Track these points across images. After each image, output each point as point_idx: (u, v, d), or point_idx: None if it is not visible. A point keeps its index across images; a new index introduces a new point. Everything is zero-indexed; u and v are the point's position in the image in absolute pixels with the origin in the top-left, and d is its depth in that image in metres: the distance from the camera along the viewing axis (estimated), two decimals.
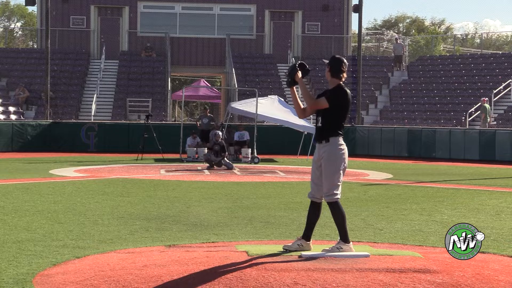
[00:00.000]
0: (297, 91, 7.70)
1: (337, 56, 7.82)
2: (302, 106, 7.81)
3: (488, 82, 37.77)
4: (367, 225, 10.75)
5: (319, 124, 7.68)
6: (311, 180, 7.78)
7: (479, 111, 34.23)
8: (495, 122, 33.85)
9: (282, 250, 7.64)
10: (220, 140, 23.10)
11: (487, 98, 34.34)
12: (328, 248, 7.55)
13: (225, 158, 22.98)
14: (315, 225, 7.83)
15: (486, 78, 38.40)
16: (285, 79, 39.68)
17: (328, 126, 7.61)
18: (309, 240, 7.74)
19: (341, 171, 7.59)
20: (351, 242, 7.61)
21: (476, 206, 13.49)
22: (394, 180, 19.41)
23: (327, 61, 7.85)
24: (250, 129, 28.52)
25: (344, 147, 7.65)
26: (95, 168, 22.37)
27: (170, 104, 39.78)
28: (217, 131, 24.48)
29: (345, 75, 7.66)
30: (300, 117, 8.17)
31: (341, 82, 7.66)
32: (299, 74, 7.69)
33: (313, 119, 32.21)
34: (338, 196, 7.57)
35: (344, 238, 7.56)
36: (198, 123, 29.20)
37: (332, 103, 7.55)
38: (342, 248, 7.48)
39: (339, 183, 7.58)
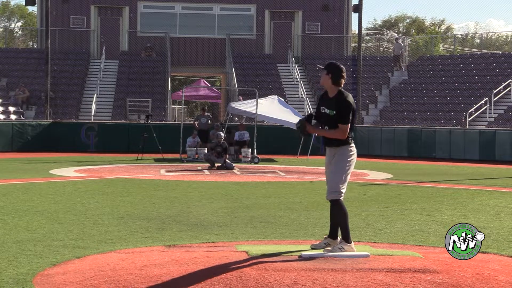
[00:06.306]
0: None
1: (337, 63, 7.68)
2: (335, 134, 7.56)
3: (488, 82, 37.76)
4: (367, 225, 10.75)
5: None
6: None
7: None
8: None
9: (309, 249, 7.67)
10: (222, 141, 23.10)
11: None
12: (330, 248, 7.54)
13: (226, 160, 23.00)
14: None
15: (486, 78, 38.39)
16: (286, 80, 39.37)
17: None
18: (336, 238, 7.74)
19: (348, 171, 7.55)
20: (352, 242, 7.58)
21: (476, 206, 13.49)
22: (394, 180, 19.41)
23: (322, 67, 7.80)
24: (250, 129, 28.52)
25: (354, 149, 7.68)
26: (95, 168, 22.36)
27: (170, 104, 39.78)
28: (219, 132, 24.35)
29: (343, 81, 7.60)
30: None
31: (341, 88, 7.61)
32: (309, 127, 7.62)
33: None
34: (341, 195, 7.50)
35: (346, 238, 7.54)
36: (196, 123, 29.13)
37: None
38: (344, 248, 7.46)
39: (344, 182, 7.52)
